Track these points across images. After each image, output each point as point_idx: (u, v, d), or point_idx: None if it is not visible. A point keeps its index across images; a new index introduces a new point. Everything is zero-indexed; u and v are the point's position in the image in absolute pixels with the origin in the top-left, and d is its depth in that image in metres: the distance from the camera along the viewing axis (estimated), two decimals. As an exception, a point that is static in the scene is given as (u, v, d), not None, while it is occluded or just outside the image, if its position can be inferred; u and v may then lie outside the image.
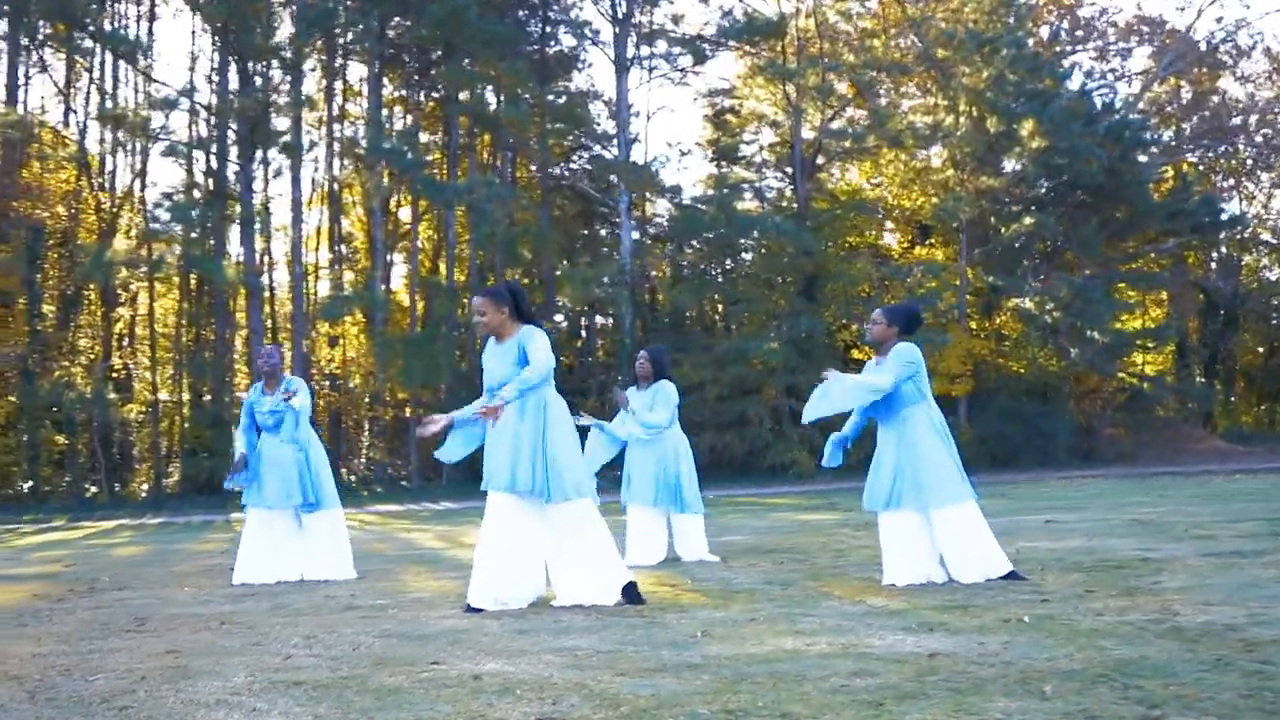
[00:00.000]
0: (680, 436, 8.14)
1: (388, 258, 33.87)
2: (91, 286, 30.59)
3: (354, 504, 25.82)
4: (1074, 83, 35.60)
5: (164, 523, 21.03)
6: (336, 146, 32.94)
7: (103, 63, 32.37)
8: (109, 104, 30.52)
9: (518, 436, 5.42)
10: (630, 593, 5.47)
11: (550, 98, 31.81)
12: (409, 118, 35.46)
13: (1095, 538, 8.48)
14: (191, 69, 33.33)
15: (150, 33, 32.24)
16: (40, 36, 30.80)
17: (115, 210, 32.15)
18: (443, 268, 33.82)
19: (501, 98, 31.76)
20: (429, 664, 3.96)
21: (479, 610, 5.35)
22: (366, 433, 35.32)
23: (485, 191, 29.03)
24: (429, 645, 4.43)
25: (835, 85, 32.85)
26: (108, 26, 30.61)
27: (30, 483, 27.93)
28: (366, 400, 35.05)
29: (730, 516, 14.17)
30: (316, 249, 35.30)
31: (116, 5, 32.07)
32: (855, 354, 32.08)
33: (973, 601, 5.14)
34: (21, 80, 31.20)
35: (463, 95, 31.24)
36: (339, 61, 33.13)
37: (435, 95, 34.81)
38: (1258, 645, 3.66)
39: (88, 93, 32.67)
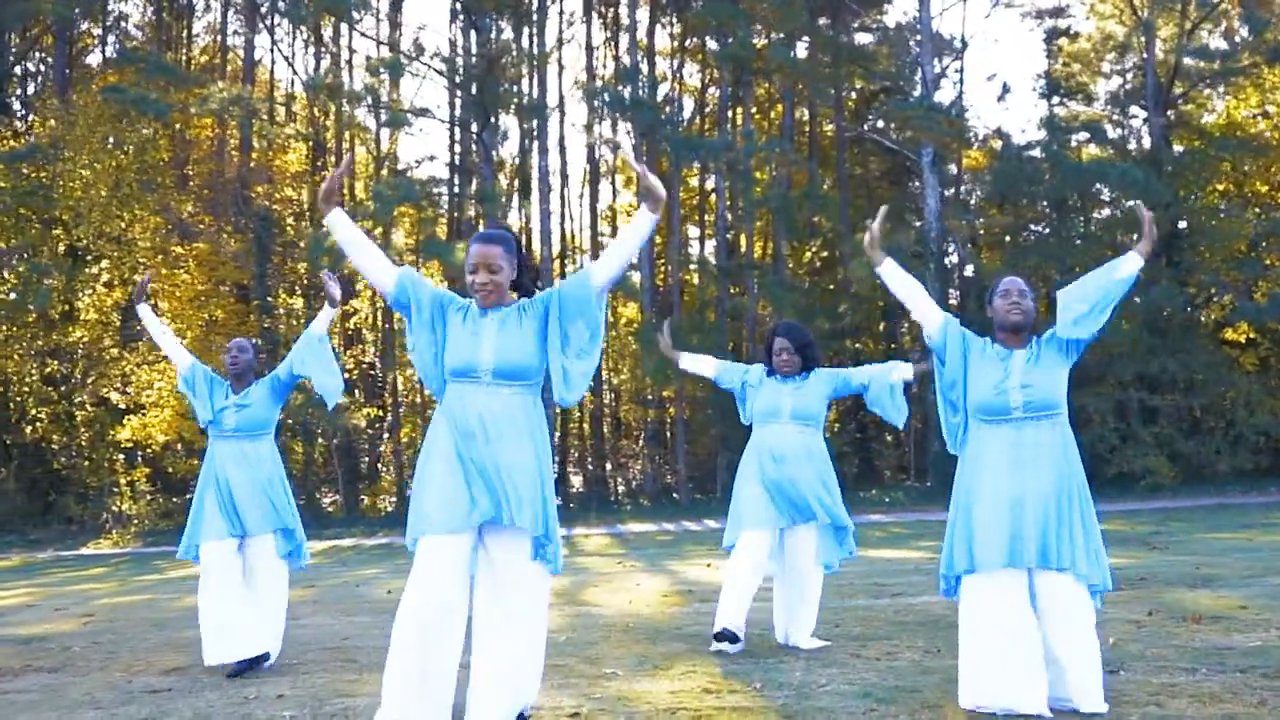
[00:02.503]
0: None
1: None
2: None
3: (616, 521, 26.96)
4: None
5: (383, 544, 22.55)
6: (587, 106, 34.15)
7: (336, 31, 35.25)
8: (328, 74, 32.78)
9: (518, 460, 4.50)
10: None
11: (835, 34, 31.83)
12: (672, 65, 36.45)
13: None
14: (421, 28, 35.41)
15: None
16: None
17: (345, 191, 34.70)
18: (707, 243, 34.55)
19: (774, 37, 32.00)
20: None
21: None
22: (641, 438, 36.45)
23: (745, 146, 29.26)
24: None
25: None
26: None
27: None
28: (614, 400, 36.26)
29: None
30: (578, 226, 36.92)
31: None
32: (1229, 333, 30.44)
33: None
34: (262, 56, 34.51)
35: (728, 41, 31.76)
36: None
37: (703, 42, 35.58)
38: None
39: (317, 63, 35.58)
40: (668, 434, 36.18)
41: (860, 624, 7.69)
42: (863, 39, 35.35)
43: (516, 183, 35.42)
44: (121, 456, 30.23)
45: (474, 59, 30.89)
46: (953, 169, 34.86)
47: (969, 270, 34.66)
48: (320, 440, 32.36)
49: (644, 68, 33.32)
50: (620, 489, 35.83)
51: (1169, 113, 31.60)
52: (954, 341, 5.27)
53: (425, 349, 4.55)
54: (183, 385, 6.92)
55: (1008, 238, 33.34)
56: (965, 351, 5.26)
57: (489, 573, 4.50)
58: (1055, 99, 34.03)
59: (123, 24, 37.75)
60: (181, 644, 7.73)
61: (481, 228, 32.78)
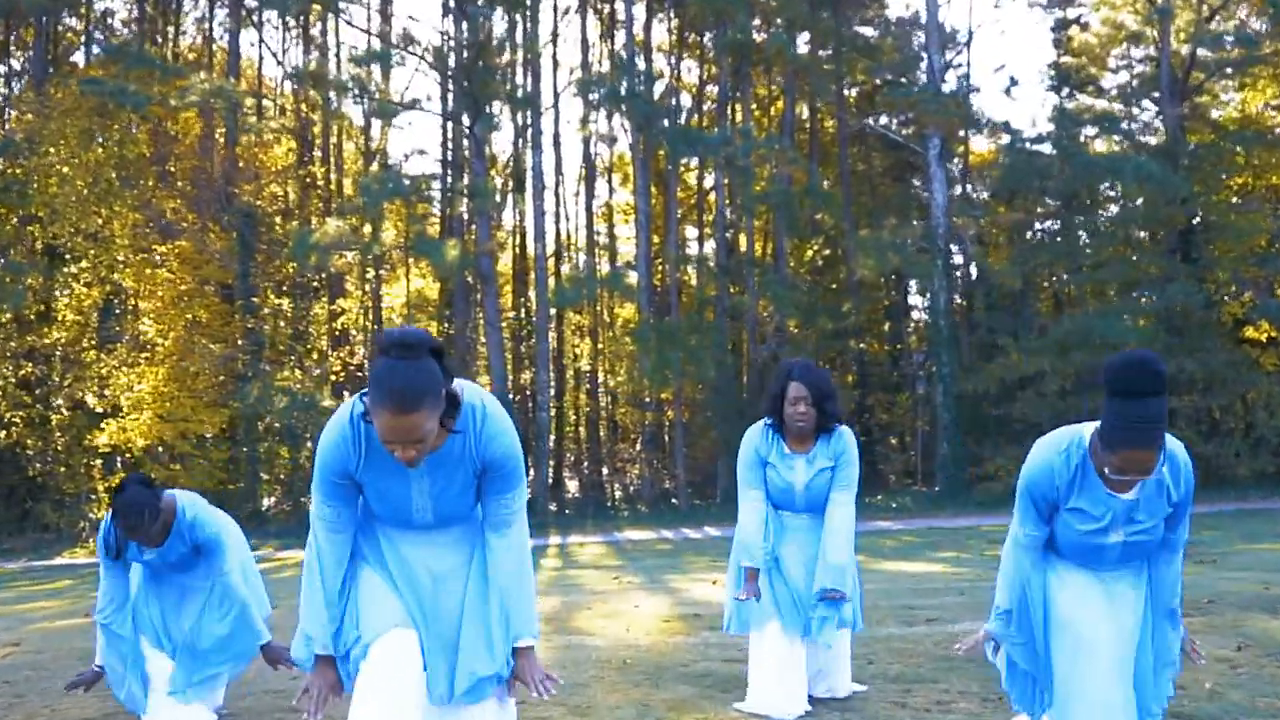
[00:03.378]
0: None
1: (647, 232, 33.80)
2: (320, 277, 32.12)
3: (613, 528, 25.86)
4: None
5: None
6: (585, 98, 33.01)
7: (324, 20, 34.17)
8: (313, 63, 31.80)
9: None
10: None
11: (842, 28, 30.76)
12: (670, 61, 35.40)
13: None
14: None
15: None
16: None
17: (332, 187, 33.64)
18: (706, 242, 33.52)
19: (776, 26, 30.93)
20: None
21: None
22: (638, 442, 35.37)
23: (744, 143, 28.23)
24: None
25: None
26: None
27: (249, 504, 29.25)
28: (611, 402, 35.24)
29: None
30: (573, 226, 35.88)
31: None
32: (1249, 331, 29.41)
33: None
34: (248, 50, 33.53)
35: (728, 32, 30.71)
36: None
37: (701, 37, 34.61)
38: None
39: (305, 55, 34.49)
40: (665, 438, 35.06)
41: (898, 659, 6.55)
42: (865, 32, 34.31)
43: (510, 180, 34.37)
44: (100, 462, 29.02)
45: (464, 47, 29.74)
46: (959, 164, 33.78)
47: (973, 270, 33.64)
48: (307, 444, 31.18)
49: (641, 63, 32.22)
50: (617, 494, 34.75)
51: (1184, 105, 30.52)
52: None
53: None
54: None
55: (1016, 235, 32.28)
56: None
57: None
58: (1065, 91, 32.93)
59: (108, 20, 36.71)
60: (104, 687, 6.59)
61: (476, 226, 31.81)
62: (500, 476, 3.42)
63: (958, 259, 32.82)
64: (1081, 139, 31.19)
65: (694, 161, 34.97)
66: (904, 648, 6.94)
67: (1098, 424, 3.52)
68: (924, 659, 6.54)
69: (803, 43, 32.20)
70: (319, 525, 3.39)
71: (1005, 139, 31.47)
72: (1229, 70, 31.22)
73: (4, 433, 29.31)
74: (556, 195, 36.94)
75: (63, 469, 29.47)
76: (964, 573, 11.89)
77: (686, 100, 36.97)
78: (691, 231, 36.95)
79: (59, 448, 29.79)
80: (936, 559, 14.13)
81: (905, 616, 8.41)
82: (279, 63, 35.22)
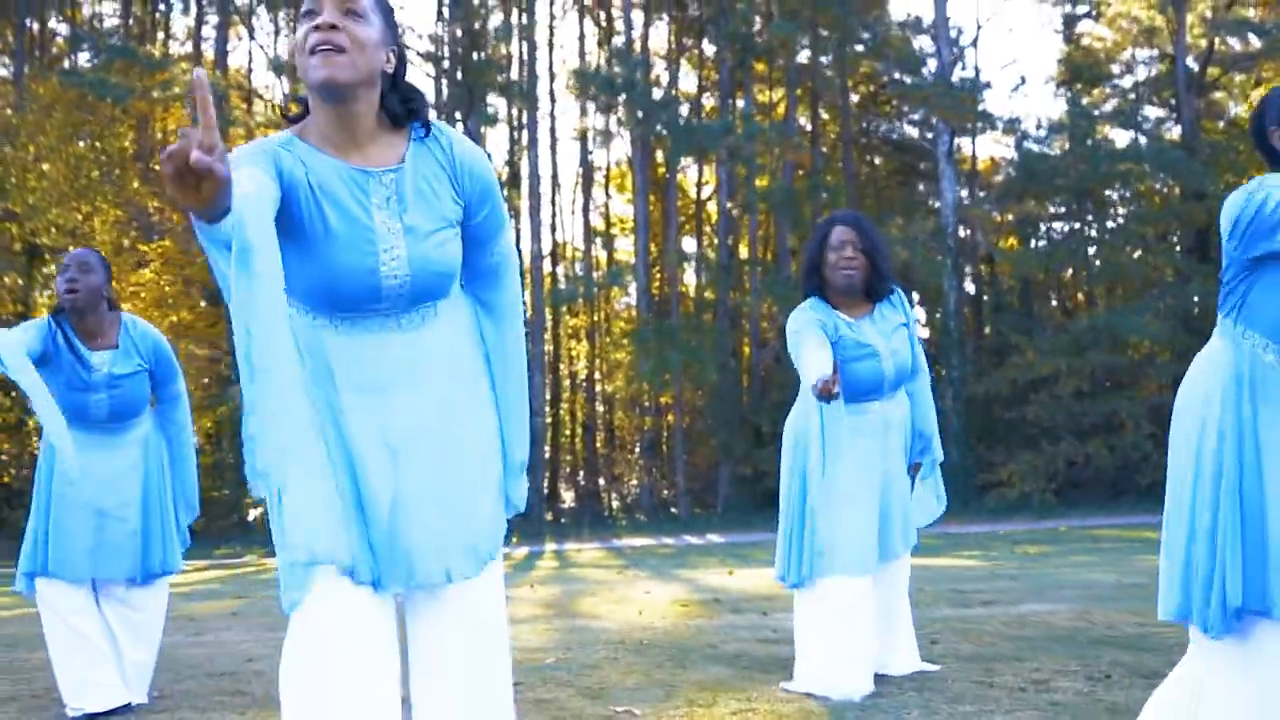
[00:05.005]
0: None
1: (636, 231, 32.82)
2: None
3: (611, 535, 24.76)
4: None
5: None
6: (583, 91, 32.07)
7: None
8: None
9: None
10: None
11: (848, 21, 29.85)
12: (668, 66, 34.54)
13: None
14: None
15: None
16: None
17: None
18: (704, 239, 32.62)
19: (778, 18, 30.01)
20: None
21: None
22: (637, 448, 34.40)
23: (746, 127, 27.28)
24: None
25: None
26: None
27: (234, 513, 28.30)
28: (608, 409, 34.29)
29: (1087, 558, 11.75)
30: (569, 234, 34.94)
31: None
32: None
33: None
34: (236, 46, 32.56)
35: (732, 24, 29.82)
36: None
37: (700, 38, 33.81)
38: None
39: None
40: (664, 446, 34.00)
41: (963, 639, 5.52)
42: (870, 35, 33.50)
43: (506, 179, 33.40)
44: (77, 466, 27.94)
45: (459, 35, 28.83)
46: (969, 164, 32.87)
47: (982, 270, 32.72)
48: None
49: (639, 59, 31.29)
50: (615, 504, 33.69)
51: (1200, 101, 29.67)
52: None
53: None
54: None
55: (1028, 232, 31.40)
56: None
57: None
58: (1078, 85, 32.04)
59: (95, 24, 35.84)
60: (18, 669, 5.57)
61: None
62: (492, 213, 2.42)
63: (967, 260, 31.92)
64: (1095, 135, 30.30)
65: (691, 173, 34.16)
66: (968, 628, 5.92)
67: None
68: (997, 638, 5.52)
69: (805, 43, 31.30)
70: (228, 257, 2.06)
71: (1014, 136, 30.59)
72: (1245, 64, 30.37)
73: (-21, 437, 28.27)
74: (553, 199, 35.97)
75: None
76: (1004, 564, 10.87)
77: (684, 110, 36.10)
78: (690, 242, 35.93)
79: (35, 452, 28.68)
80: (965, 556, 13.14)
81: (958, 600, 7.39)
82: (268, 56, 34.23)
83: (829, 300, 4.39)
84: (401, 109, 2.32)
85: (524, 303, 2.50)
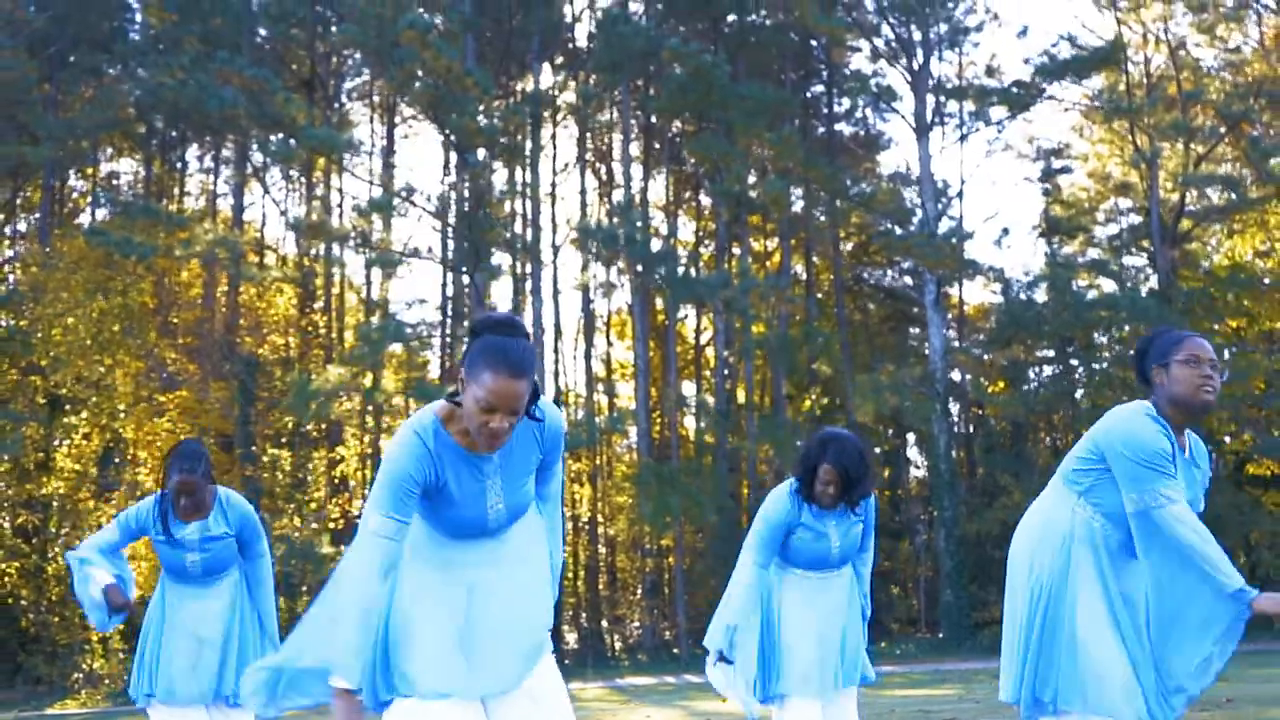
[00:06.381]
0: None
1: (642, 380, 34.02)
2: (320, 425, 32.23)
3: (614, 675, 25.44)
4: None
5: None
6: (584, 244, 33.54)
7: (327, 176, 34.93)
8: (314, 213, 32.38)
9: None
10: None
11: (838, 177, 31.49)
12: (667, 218, 36.09)
13: None
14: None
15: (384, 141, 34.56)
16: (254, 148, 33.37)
17: (333, 336, 33.96)
18: (703, 383, 33.66)
19: (768, 171, 31.63)
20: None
21: None
22: (639, 590, 35.06)
23: (742, 282, 28.67)
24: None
25: (1198, 120, 30.94)
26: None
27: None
28: (610, 551, 34.98)
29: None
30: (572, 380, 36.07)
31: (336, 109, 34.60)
32: (1250, 468, 29.46)
33: None
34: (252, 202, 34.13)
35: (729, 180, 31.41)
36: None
37: (697, 192, 35.36)
38: None
39: (308, 207, 35.16)
40: (665, 588, 34.73)
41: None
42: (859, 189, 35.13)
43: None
44: (94, 613, 28.65)
45: (465, 194, 30.35)
46: (955, 311, 34.22)
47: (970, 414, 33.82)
48: (304, 595, 30.88)
49: (638, 213, 32.83)
50: (617, 645, 34.27)
51: (1174, 252, 31.08)
52: None
53: None
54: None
55: (1013, 377, 32.51)
56: None
57: None
58: (1056, 237, 33.56)
59: (114, 181, 37.53)
60: None
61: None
62: (556, 449, 3.43)
63: (955, 405, 33.01)
64: (1074, 287, 31.64)
65: (690, 320, 35.43)
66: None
67: None
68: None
69: (798, 196, 32.89)
70: (371, 542, 3.13)
71: (999, 285, 31.98)
72: (1216, 217, 31.87)
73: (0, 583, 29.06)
74: (556, 346, 37.24)
75: (56, 619, 29.09)
76: (977, 692, 11.76)
77: (683, 257, 37.62)
78: (689, 387, 37.15)
79: (53, 597, 29.45)
80: (945, 687, 13.97)
81: (920, 718, 8.32)
82: (282, 213, 35.85)
83: (811, 500, 5.36)
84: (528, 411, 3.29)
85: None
